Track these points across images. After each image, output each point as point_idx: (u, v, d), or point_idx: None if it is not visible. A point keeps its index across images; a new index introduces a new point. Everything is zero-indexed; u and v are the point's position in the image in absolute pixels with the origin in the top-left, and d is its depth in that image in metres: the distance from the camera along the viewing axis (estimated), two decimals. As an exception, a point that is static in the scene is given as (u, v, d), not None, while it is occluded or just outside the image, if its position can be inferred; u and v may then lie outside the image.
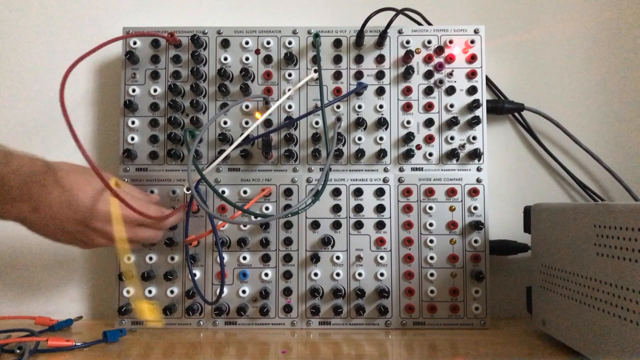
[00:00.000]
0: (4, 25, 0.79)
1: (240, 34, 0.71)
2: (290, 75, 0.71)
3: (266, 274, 0.69)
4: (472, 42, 0.70)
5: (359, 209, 0.69)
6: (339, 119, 0.70)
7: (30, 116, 0.79)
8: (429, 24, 0.74)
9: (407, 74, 0.70)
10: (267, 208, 0.69)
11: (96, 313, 0.77)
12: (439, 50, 0.70)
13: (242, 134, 0.68)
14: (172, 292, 0.69)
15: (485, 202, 0.70)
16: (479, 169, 0.70)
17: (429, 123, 0.70)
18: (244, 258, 0.69)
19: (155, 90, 0.71)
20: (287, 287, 0.69)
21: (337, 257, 0.69)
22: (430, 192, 0.69)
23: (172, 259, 0.69)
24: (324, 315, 0.69)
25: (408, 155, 0.70)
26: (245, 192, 0.70)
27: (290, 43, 0.71)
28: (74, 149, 0.77)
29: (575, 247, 0.55)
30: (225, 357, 0.60)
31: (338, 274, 0.69)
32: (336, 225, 0.69)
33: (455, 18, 0.78)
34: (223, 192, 0.70)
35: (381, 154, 0.69)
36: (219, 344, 0.64)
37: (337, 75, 0.70)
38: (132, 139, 0.71)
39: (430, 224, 0.69)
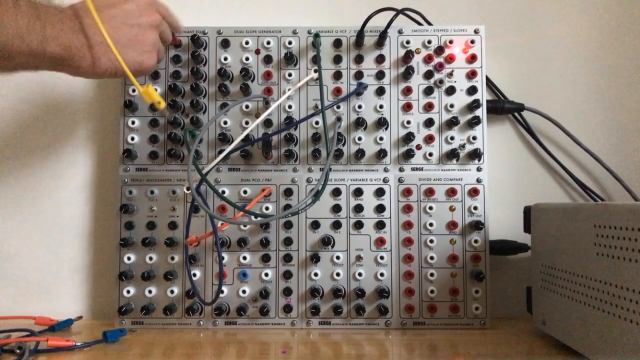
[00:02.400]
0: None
1: (240, 34, 0.71)
2: (290, 75, 0.71)
3: (266, 274, 0.69)
4: (472, 42, 0.70)
5: (359, 209, 0.69)
6: (339, 119, 0.70)
7: (30, 114, 0.79)
8: (429, 24, 0.74)
9: (407, 74, 0.70)
10: (267, 208, 0.69)
11: (96, 313, 0.77)
12: (439, 50, 0.70)
13: (243, 133, 0.68)
14: (172, 292, 0.69)
15: (485, 202, 0.70)
16: (479, 169, 0.70)
17: (429, 123, 0.70)
18: (244, 258, 0.69)
19: (155, 90, 0.71)
20: (287, 287, 0.69)
21: (337, 257, 0.69)
22: (430, 192, 0.69)
23: (172, 259, 0.69)
24: (324, 315, 0.69)
25: (408, 155, 0.70)
26: (245, 192, 0.70)
27: (290, 43, 0.71)
28: (72, 145, 0.78)
29: (575, 247, 0.55)
30: (225, 357, 0.60)
31: (338, 274, 0.69)
32: (336, 225, 0.69)
33: (455, 18, 0.79)
34: (223, 192, 0.70)
35: (381, 154, 0.69)
36: (219, 344, 0.64)
37: (337, 75, 0.70)
38: (132, 138, 0.71)
39: (430, 224, 0.69)
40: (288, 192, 0.70)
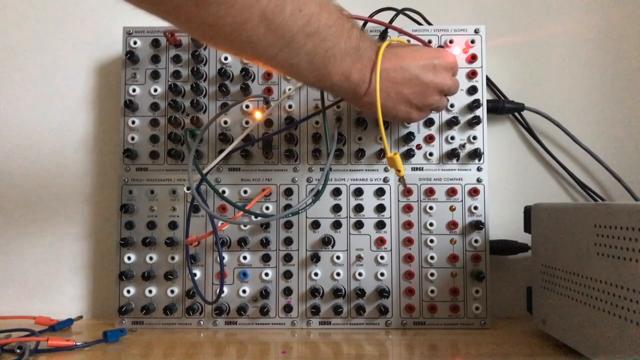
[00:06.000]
0: (3, 26, 0.79)
1: (241, 33, 0.71)
2: (290, 75, 0.70)
3: (266, 274, 0.69)
4: (473, 42, 0.70)
5: (359, 208, 0.69)
6: (339, 119, 0.70)
7: (31, 118, 0.79)
8: (429, 23, 0.74)
9: (408, 73, 0.69)
10: (267, 208, 0.69)
11: (96, 313, 0.77)
12: (439, 50, 0.70)
13: (243, 133, 0.69)
14: (172, 292, 0.69)
15: (486, 202, 0.70)
16: (479, 169, 0.70)
17: (429, 123, 0.70)
18: (244, 258, 0.69)
19: (155, 90, 0.71)
20: (288, 286, 0.69)
21: (338, 257, 0.69)
22: (430, 192, 0.69)
23: (173, 258, 0.69)
24: (324, 315, 0.69)
25: (408, 155, 0.70)
26: (245, 191, 0.70)
27: (290, 43, 0.70)
28: (74, 151, 0.78)
29: (575, 247, 0.55)
30: (225, 357, 0.60)
31: (338, 274, 0.69)
32: (336, 225, 0.69)
33: (455, 18, 0.78)
34: (223, 191, 0.70)
35: (381, 154, 0.70)
36: (219, 344, 0.64)
37: (338, 75, 0.70)
38: (133, 138, 0.71)
39: (431, 224, 0.69)
40: (288, 192, 0.70)
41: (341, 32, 0.51)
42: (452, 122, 0.70)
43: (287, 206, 0.69)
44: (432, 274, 0.69)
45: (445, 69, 0.59)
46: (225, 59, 0.71)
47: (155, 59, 0.71)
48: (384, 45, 0.56)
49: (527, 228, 0.66)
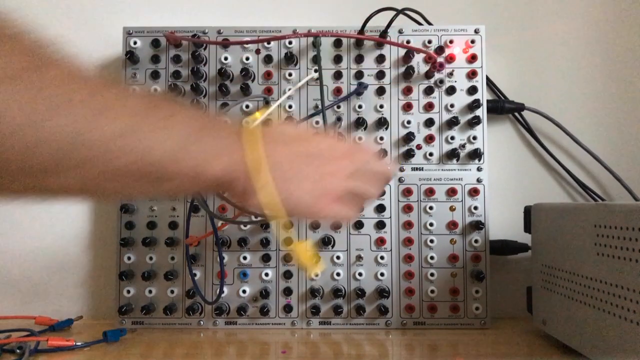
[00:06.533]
0: (4, 25, 0.79)
1: (241, 33, 0.71)
2: (290, 75, 0.71)
3: (266, 274, 0.69)
4: (473, 41, 0.70)
5: (359, 208, 0.69)
6: (339, 119, 0.70)
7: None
8: (430, 23, 0.74)
9: (408, 73, 0.70)
10: (267, 208, 0.69)
11: (96, 313, 0.77)
12: (440, 50, 0.70)
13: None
14: (172, 292, 0.69)
15: (486, 202, 0.70)
16: (479, 169, 0.70)
17: (429, 123, 0.70)
18: (244, 258, 0.69)
19: (155, 90, 0.71)
20: (288, 286, 0.69)
21: (338, 257, 0.69)
22: (430, 192, 0.69)
23: (173, 258, 0.69)
24: (324, 315, 0.69)
25: (408, 155, 0.70)
26: (245, 192, 0.70)
27: (290, 43, 0.71)
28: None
29: (575, 247, 0.55)
30: (225, 357, 0.60)
31: (338, 274, 0.69)
32: (336, 225, 0.69)
33: (455, 18, 0.78)
34: (223, 191, 0.70)
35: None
36: (219, 344, 0.64)
37: (338, 75, 0.70)
38: (133, 138, 0.71)
39: (431, 224, 0.69)
40: (288, 192, 0.70)
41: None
42: (452, 122, 0.70)
43: (287, 206, 0.69)
44: (432, 274, 0.69)
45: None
46: (225, 59, 0.71)
47: (155, 59, 0.71)
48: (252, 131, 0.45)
49: (527, 228, 0.66)
